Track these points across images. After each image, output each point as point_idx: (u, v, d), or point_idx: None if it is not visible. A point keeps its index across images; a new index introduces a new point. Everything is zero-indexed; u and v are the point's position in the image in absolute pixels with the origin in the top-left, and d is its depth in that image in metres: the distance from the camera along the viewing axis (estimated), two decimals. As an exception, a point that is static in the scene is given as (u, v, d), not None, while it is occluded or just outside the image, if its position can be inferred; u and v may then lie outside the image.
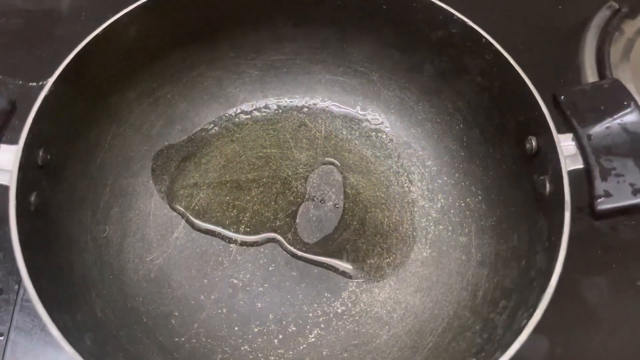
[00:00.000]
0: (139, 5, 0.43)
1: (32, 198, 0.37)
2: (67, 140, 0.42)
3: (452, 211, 0.48)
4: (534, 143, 0.40)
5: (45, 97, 0.38)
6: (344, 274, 0.46)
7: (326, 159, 0.50)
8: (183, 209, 0.48)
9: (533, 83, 0.40)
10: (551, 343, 0.45)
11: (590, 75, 0.57)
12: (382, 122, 0.53)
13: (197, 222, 0.47)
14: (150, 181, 0.49)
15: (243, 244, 0.47)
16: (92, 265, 0.42)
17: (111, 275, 0.43)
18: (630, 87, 0.55)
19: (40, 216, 0.38)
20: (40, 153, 0.38)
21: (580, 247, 0.49)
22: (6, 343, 0.44)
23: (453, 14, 0.44)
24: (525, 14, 0.63)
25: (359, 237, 0.47)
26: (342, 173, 0.49)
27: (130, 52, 0.45)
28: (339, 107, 0.53)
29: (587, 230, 0.50)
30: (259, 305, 0.44)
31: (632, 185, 0.35)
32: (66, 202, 0.42)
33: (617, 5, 0.62)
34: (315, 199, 0.49)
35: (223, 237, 0.47)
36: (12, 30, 0.60)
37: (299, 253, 0.46)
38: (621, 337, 0.46)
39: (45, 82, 0.39)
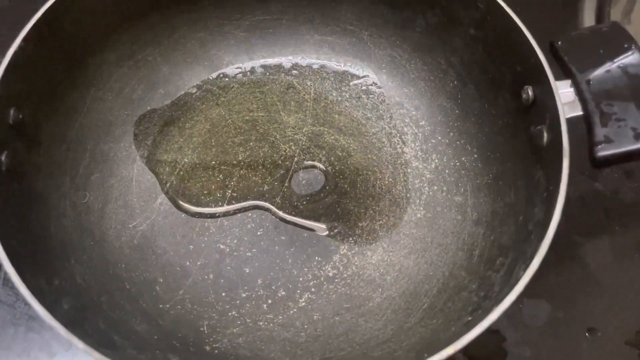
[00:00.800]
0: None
1: (3, 157, 0.35)
2: (42, 102, 0.40)
3: (446, 171, 0.46)
4: (530, 92, 0.38)
5: (15, 53, 0.37)
6: (334, 237, 0.44)
7: (308, 162, 0.47)
8: (167, 175, 0.46)
9: (529, 30, 0.38)
10: (553, 307, 0.44)
11: (588, 23, 0.55)
12: (374, 83, 0.51)
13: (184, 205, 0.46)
14: (133, 146, 0.47)
15: (230, 210, 0.45)
16: (72, 231, 0.40)
17: (92, 241, 0.41)
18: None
19: (13, 178, 0.37)
20: (11, 112, 0.37)
21: (582, 210, 0.48)
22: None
23: (443, -38, 0.42)
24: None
25: (350, 200, 0.46)
26: (325, 175, 0.47)
27: (108, 10, 0.44)
28: (329, 67, 0.51)
29: (589, 193, 0.49)
30: (247, 270, 0.43)
31: (634, 129, 0.34)
32: (43, 166, 0.40)
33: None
34: (304, 161, 0.47)
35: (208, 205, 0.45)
36: (-4, 7, 0.58)
37: (288, 217, 0.45)
38: (624, 301, 0.45)
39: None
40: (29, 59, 0.38)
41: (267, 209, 0.45)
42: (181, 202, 0.45)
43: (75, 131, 0.44)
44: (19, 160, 0.37)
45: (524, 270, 0.31)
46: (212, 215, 0.45)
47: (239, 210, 0.45)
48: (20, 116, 0.37)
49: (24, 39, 0.37)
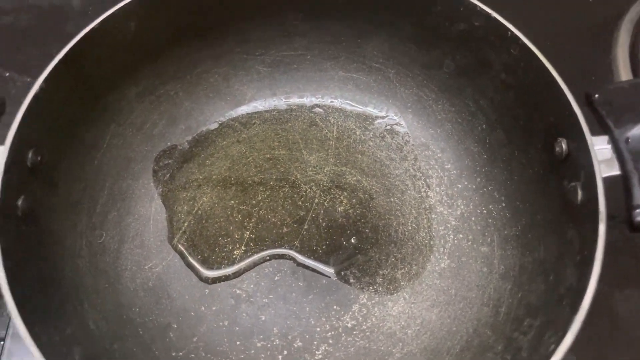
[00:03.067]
0: (138, -3, 0.41)
1: (20, 202, 0.35)
2: (61, 141, 0.40)
3: (472, 219, 0.44)
4: (564, 146, 0.36)
5: (35, 96, 0.36)
6: (354, 285, 0.43)
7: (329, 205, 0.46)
8: (185, 214, 0.45)
9: (563, 80, 0.37)
10: (579, 362, 0.42)
11: (624, 72, 0.53)
12: (399, 122, 0.49)
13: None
14: (151, 183, 0.46)
15: (248, 251, 0.44)
16: (86, 273, 0.40)
17: (106, 284, 0.40)
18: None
19: (28, 221, 0.36)
20: (30, 154, 0.36)
21: (613, 258, 0.46)
22: (2, 349, 0.42)
23: (476, 6, 0.41)
24: (554, 7, 0.59)
25: (372, 246, 0.44)
26: (346, 219, 0.45)
27: (130, 47, 0.43)
28: (353, 105, 0.50)
29: (621, 240, 0.46)
30: (263, 318, 0.41)
31: (676, 194, 0.32)
32: (59, 206, 0.39)
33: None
34: (325, 204, 0.46)
35: (223, 249, 0.44)
36: (22, 26, 0.59)
37: (307, 262, 0.43)
38: (658, 356, 0.42)
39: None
40: (48, 100, 0.37)
41: (284, 256, 0.44)
42: (192, 261, 0.44)
43: (93, 169, 0.43)
44: (35, 203, 0.36)
45: (556, 343, 0.30)
46: (234, 276, 0.43)
47: (257, 263, 0.44)
48: (39, 158, 0.37)
49: (45, 81, 0.37)
